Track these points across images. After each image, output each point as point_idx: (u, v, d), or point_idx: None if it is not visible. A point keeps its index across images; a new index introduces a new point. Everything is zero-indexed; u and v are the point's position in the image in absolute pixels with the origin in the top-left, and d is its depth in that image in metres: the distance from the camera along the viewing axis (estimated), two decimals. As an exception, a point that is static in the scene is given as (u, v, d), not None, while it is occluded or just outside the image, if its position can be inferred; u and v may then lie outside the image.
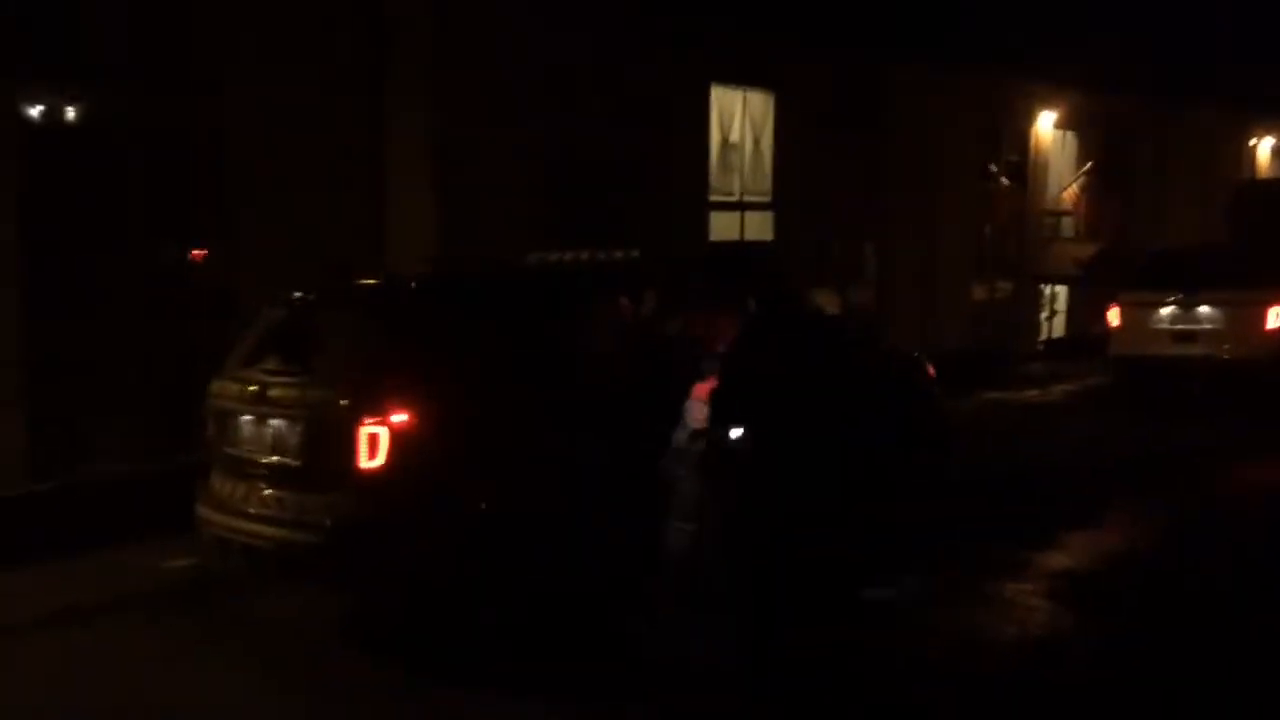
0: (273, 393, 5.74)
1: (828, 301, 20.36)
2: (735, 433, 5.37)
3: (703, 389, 5.47)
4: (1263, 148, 29.51)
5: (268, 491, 5.72)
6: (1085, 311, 21.54)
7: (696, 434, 5.61)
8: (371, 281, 6.39)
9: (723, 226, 18.21)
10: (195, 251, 13.53)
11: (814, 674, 5.19)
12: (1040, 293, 24.77)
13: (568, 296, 6.24)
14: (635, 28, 15.76)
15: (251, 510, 5.76)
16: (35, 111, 11.33)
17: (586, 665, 5.38)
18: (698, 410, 5.51)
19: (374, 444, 5.39)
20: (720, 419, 5.44)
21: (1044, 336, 24.28)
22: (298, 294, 6.33)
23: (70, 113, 12.00)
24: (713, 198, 18.09)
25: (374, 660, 5.76)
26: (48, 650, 5.95)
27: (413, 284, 6.10)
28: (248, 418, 5.87)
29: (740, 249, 9.35)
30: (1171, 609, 6.17)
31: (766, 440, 5.27)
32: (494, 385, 5.70)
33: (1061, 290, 24.87)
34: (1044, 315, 24.96)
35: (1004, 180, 23.59)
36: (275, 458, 5.71)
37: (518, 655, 5.40)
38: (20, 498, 8.79)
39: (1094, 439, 10.75)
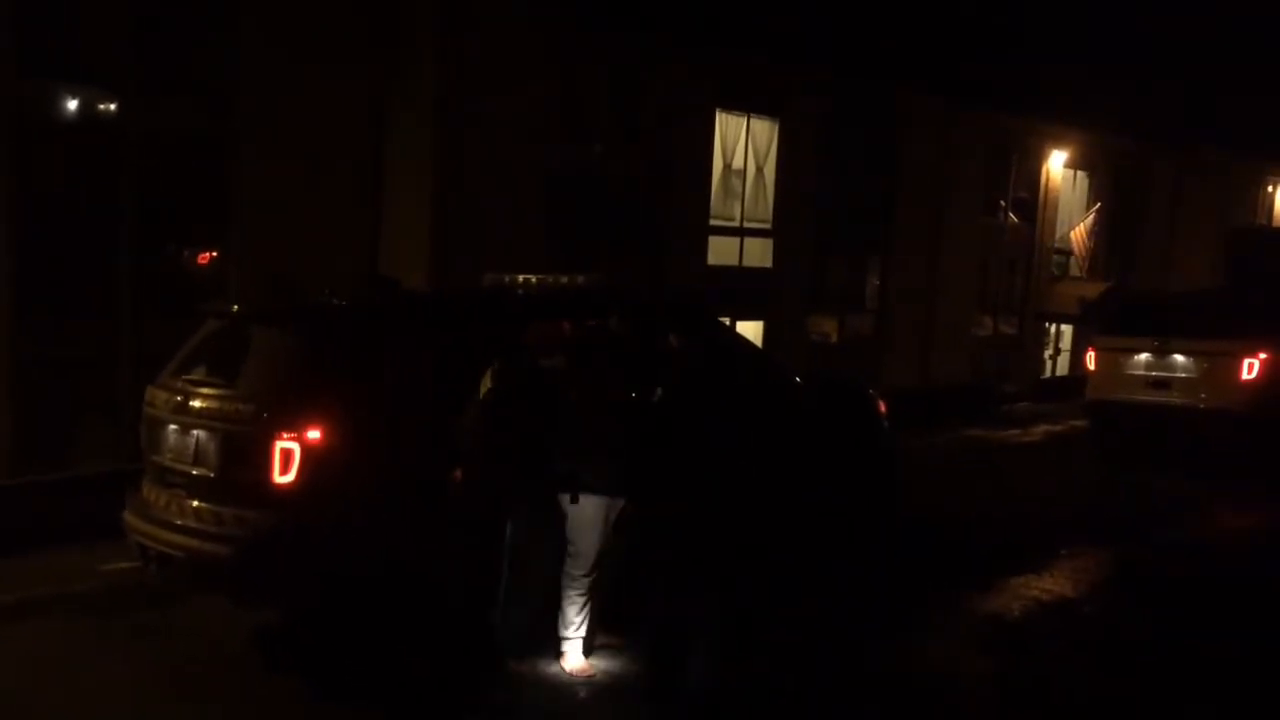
0: (195, 403, 5.80)
1: (827, 328, 20.40)
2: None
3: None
4: (1279, 195, 29.29)
5: (186, 501, 5.78)
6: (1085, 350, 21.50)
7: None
8: (303, 299, 6.44)
9: (722, 251, 18.27)
10: (202, 255, 13.75)
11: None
12: (1045, 330, 24.69)
13: (497, 321, 6.26)
14: (643, 52, 15.89)
15: (170, 519, 5.81)
16: (33, 111, 11.61)
17: (491, 688, 5.44)
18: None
19: (287, 460, 5.45)
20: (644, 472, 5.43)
21: (1048, 374, 24.18)
22: (234, 307, 6.42)
23: (69, 112, 12.24)
24: (713, 222, 18.16)
25: (281, 673, 5.80)
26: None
27: (339, 303, 6.16)
28: (173, 427, 5.94)
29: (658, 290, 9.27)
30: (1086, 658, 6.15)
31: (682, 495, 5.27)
32: (413, 407, 5.73)
33: (1068, 328, 24.77)
34: (1048, 353, 24.86)
35: (1012, 216, 23.56)
36: (194, 468, 5.77)
37: (424, 675, 5.45)
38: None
39: (1057, 483, 10.72)
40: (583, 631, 5.69)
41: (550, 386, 5.58)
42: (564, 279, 7.07)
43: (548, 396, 5.61)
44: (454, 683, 5.48)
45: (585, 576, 5.61)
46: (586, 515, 5.61)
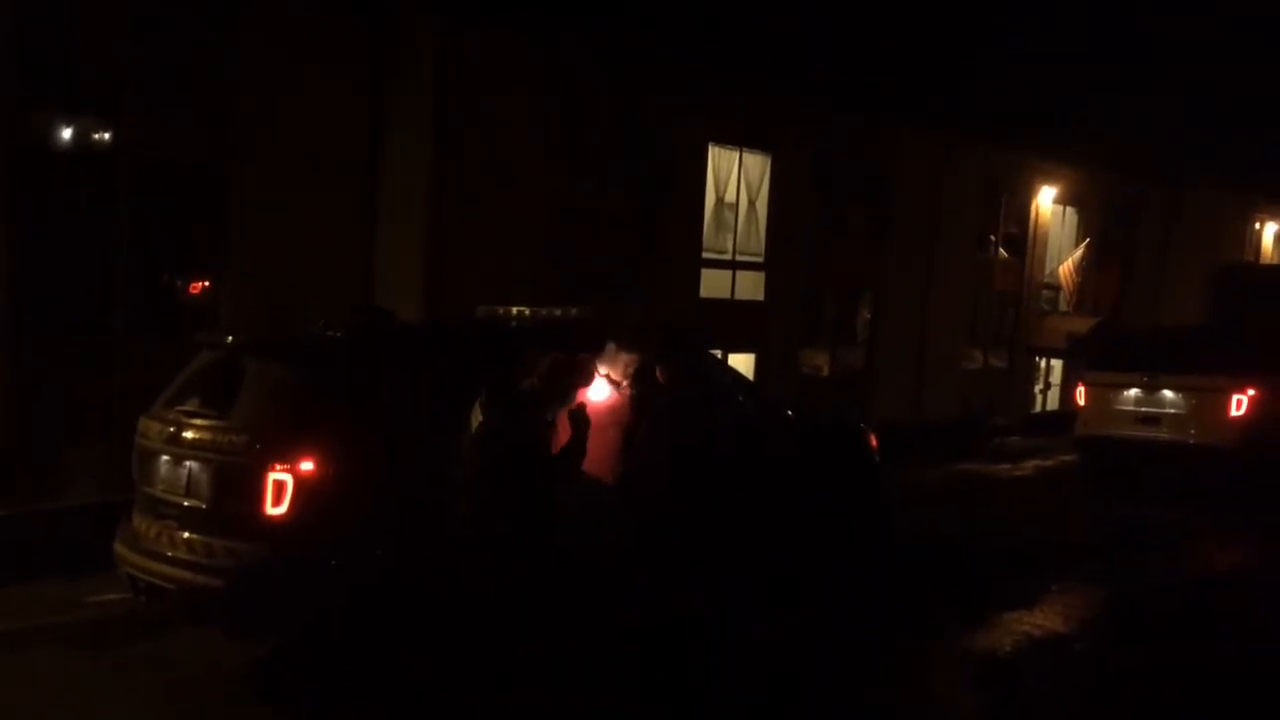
0: (188, 435, 5.81)
1: (818, 361, 20.45)
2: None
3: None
4: (1267, 232, 29.55)
5: (177, 533, 5.77)
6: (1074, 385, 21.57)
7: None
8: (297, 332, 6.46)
9: (715, 284, 18.35)
10: (194, 285, 13.74)
11: None
12: (1035, 365, 24.79)
13: (490, 353, 6.28)
14: (638, 87, 16.01)
15: (161, 551, 5.81)
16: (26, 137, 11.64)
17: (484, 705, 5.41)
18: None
19: (280, 491, 5.46)
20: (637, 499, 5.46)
21: (1037, 409, 24.25)
22: (229, 338, 6.44)
23: (67, 133, 12.28)
24: (706, 255, 18.25)
25: (277, 698, 5.75)
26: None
27: (333, 335, 6.18)
28: (165, 458, 5.94)
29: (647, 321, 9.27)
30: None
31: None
32: (405, 438, 5.75)
33: (1058, 363, 24.88)
34: (1038, 387, 24.94)
35: (1002, 252, 23.72)
36: (187, 499, 5.77)
37: (421, 699, 5.43)
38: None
39: (1048, 519, 10.73)
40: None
41: (541, 414, 5.61)
42: (557, 311, 7.11)
43: (540, 424, 5.63)
44: (449, 703, 5.45)
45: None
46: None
